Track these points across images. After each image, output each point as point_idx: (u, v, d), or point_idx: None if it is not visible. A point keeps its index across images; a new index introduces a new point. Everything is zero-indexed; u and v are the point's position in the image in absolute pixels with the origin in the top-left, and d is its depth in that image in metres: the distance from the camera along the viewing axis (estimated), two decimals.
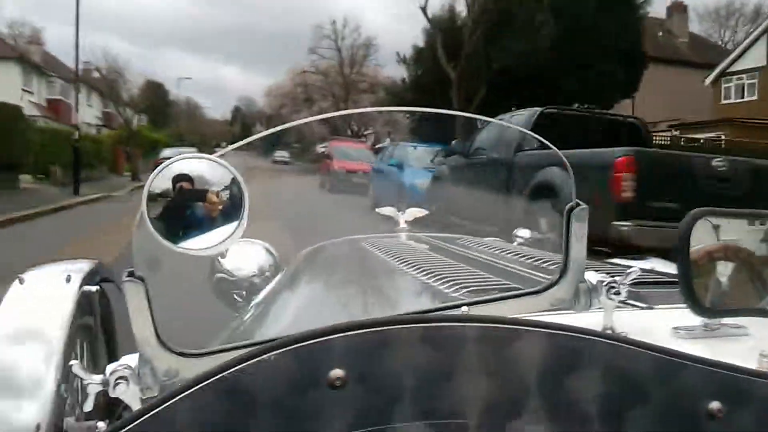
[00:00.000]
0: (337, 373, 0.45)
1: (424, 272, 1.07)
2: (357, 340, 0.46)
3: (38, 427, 0.88)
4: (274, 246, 1.80)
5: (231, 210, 0.59)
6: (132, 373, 0.61)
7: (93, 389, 0.62)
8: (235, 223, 0.59)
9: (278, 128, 0.67)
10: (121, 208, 10.93)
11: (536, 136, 0.77)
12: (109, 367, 0.62)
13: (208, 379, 0.44)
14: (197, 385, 0.44)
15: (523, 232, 1.87)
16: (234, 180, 0.58)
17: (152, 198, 0.57)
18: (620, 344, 0.49)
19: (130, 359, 0.63)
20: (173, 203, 0.59)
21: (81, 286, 1.33)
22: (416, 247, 1.47)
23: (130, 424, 0.43)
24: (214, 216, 0.60)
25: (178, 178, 0.58)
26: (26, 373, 1.07)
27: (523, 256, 1.26)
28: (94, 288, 1.31)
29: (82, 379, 0.62)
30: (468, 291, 0.92)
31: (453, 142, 9.03)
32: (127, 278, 0.59)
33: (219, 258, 1.73)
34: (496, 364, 0.47)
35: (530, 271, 1.10)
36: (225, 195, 0.59)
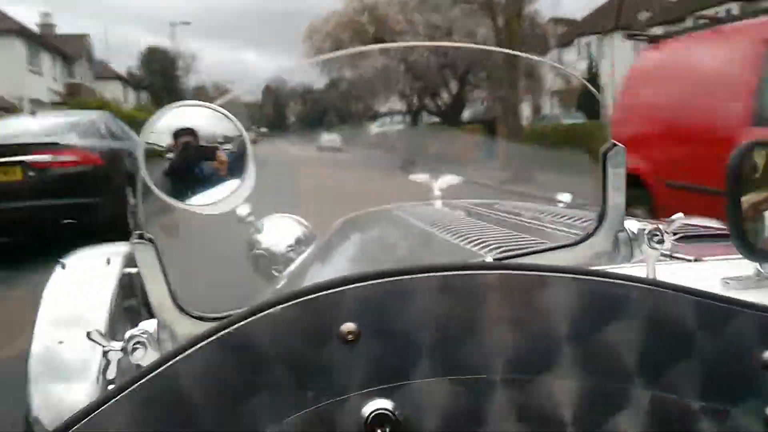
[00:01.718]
0: (348, 326, 0.42)
1: (458, 236, 1.03)
2: (369, 292, 0.42)
3: None
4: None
5: (236, 164, 0.56)
6: (150, 338, 0.59)
7: (114, 356, 0.60)
8: (241, 178, 0.56)
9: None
10: None
11: (568, 71, 0.71)
12: (128, 333, 0.60)
13: (212, 336, 0.41)
14: (201, 341, 0.41)
15: (565, 196, 1.81)
16: (237, 131, 0.55)
17: (151, 154, 0.54)
18: (660, 289, 0.44)
19: (149, 325, 0.61)
20: (178, 160, 0.56)
21: (122, 268, 1.34)
22: (451, 213, 1.43)
23: (132, 384, 0.40)
24: (222, 174, 0.57)
25: (180, 132, 0.55)
26: (73, 356, 1.09)
27: (564, 217, 1.21)
28: (135, 270, 1.32)
29: (103, 346, 0.61)
30: (504, 251, 0.87)
31: None
32: (136, 240, 0.57)
33: (255, 234, 1.73)
34: (522, 315, 0.43)
35: (572, 231, 1.05)
36: (231, 149, 0.56)
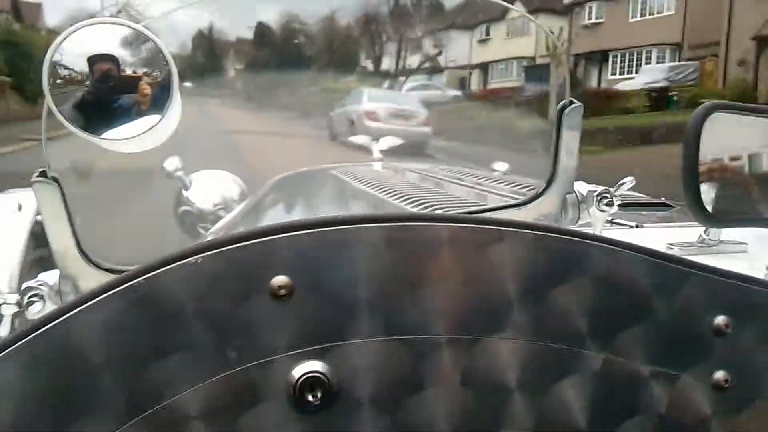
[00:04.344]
0: (280, 280, 0.37)
1: (396, 196, 0.99)
2: (306, 243, 0.38)
3: None
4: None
5: (160, 97, 0.49)
6: (50, 292, 0.53)
7: (7, 310, 0.53)
8: (164, 113, 0.49)
9: None
10: None
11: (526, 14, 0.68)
12: (24, 285, 0.54)
13: (118, 286, 0.35)
14: (105, 292, 0.35)
15: (501, 165, 1.80)
16: (162, 56, 0.48)
17: (59, 79, 0.47)
18: (618, 249, 0.42)
19: (49, 276, 0.55)
20: (94, 92, 0.49)
21: (35, 215, 1.24)
22: (391, 174, 1.39)
23: (21, 339, 0.35)
24: (143, 108, 0.50)
25: (98, 58, 0.48)
26: None
27: (505, 182, 1.19)
28: None
29: None
30: (445, 211, 0.84)
31: None
32: (37, 179, 0.50)
33: (183, 190, 1.64)
34: (472, 270, 0.40)
35: (514, 196, 1.03)
36: (155, 78, 0.49)
